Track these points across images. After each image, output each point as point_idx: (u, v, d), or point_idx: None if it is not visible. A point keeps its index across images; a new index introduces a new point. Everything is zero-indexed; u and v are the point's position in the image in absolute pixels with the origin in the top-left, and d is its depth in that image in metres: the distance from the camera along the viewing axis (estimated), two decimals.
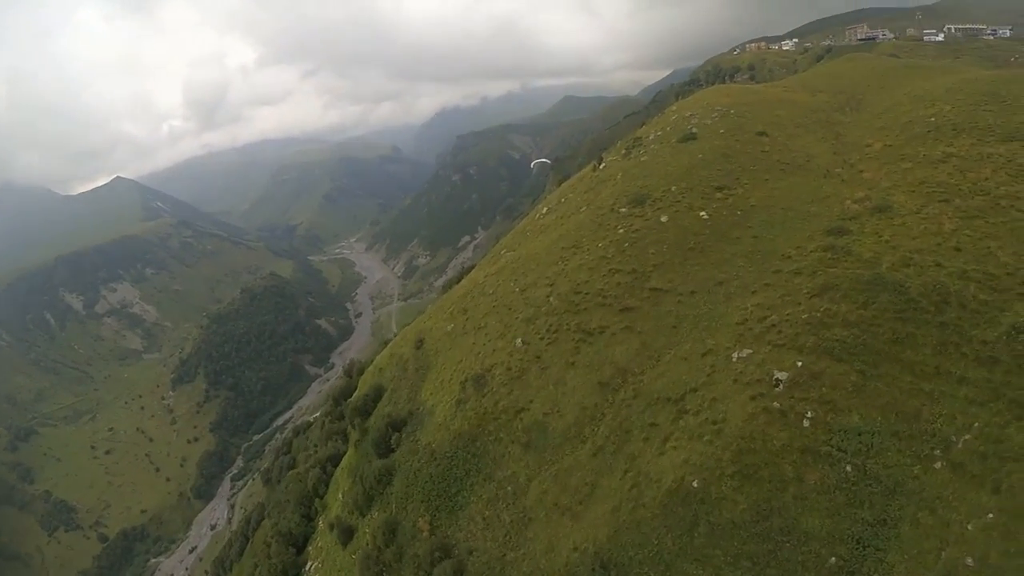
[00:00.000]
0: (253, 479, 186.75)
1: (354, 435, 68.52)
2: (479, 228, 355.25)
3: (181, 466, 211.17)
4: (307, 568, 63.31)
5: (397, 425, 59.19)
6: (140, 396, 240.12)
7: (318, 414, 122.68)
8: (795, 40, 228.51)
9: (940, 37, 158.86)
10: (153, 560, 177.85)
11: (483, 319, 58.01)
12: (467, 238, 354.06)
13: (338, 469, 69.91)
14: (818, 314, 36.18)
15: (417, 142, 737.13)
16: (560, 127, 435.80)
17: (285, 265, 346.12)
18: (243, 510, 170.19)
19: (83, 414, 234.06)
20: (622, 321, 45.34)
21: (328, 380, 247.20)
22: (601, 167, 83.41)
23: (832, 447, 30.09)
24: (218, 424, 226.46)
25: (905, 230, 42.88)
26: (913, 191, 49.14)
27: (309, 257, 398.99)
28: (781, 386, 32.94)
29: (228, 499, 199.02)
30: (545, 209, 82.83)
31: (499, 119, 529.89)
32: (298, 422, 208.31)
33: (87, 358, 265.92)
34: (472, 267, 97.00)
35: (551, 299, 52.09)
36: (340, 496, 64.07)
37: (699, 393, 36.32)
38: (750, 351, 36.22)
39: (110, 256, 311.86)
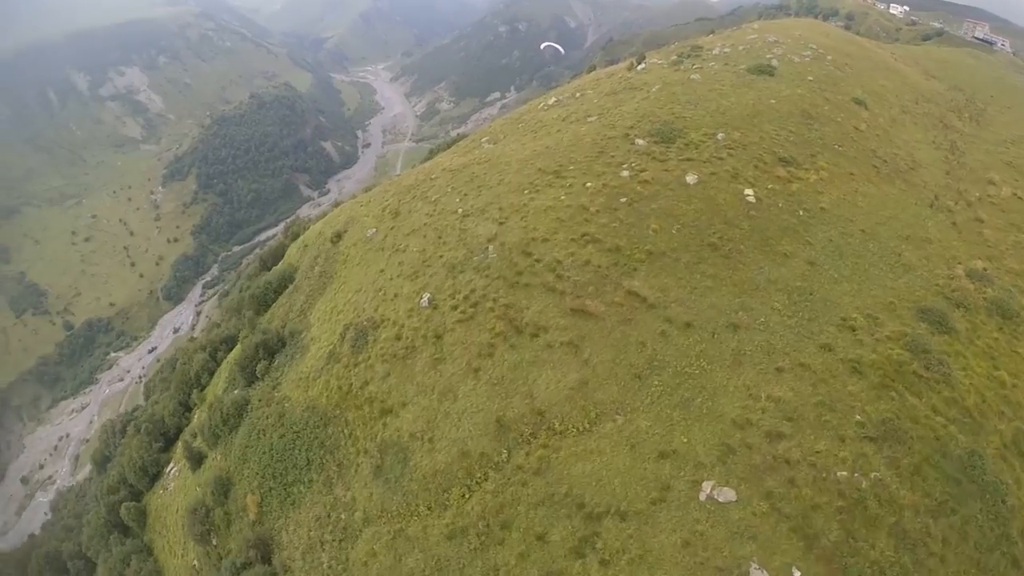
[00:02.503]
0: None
1: (245, 330, 54.29)
2: (512, 88, 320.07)
3: (156, 264, 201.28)
4: (168, 470, 51.66)
5: (271, 348, 44.37)
6: (129, 187, 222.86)
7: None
8: (905, 8, 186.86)
9: None
10: (113, 354, 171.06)
11: (407, 237, 41.02)
12: (497, 94, 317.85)
13: (225, 361, 56.38)
14: (866, 482, 19.68)
15: None
16: (626, 9, 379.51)
17: (303, 77, 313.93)
18: (208, 319, 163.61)
19: (69, 198, 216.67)
20: (569, 330, 28.29)
21: (320, 205, 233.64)
22: (639, 68, 61.48)
23: None
24: (201, 228, 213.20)
25: None
26: None
27: (331, 74, 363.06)
28: None
29: (196, 305, 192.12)
30: (553, 99, 62.23)
31: None
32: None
33: (83, 141, 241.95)
34: (452, 144, 77.03)
35: (490, 248, 34.66)
36: (220, 392, 50.79)
37: (626, 527, 20.50)
38: (732, 495, 19.94)
39: (124, 38, 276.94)
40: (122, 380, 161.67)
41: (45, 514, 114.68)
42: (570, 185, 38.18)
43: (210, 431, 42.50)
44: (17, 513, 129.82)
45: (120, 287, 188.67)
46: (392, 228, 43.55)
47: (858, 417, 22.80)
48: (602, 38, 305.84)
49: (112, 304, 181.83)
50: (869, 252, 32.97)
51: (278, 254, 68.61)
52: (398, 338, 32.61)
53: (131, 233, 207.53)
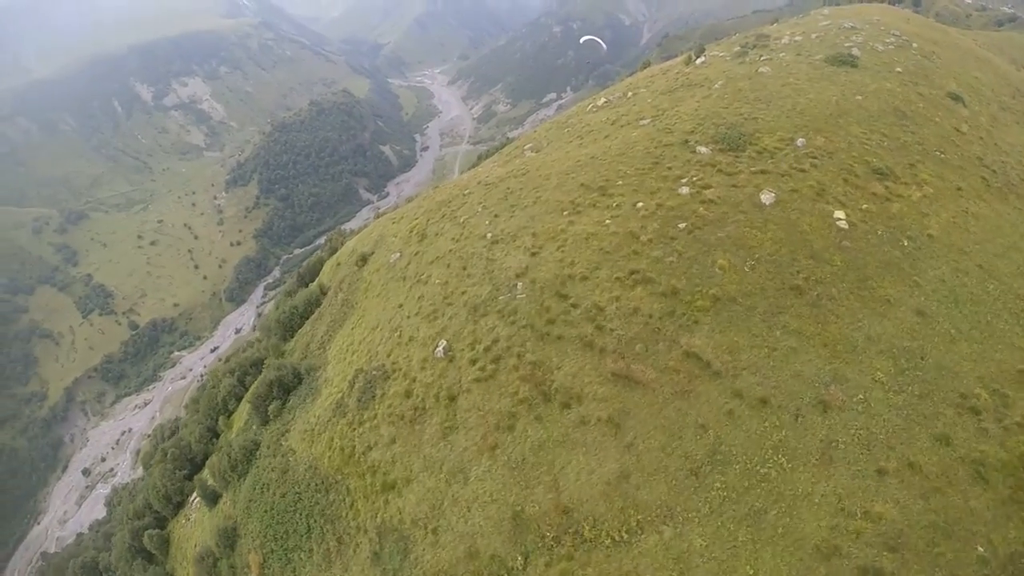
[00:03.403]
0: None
1: (269, 358, 50.81)
2: (568, 88, 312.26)
3: (219, 267, 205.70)
4: (192, 500, 48.69)
5: (286, 385, 40.25)
6: (194, 192, 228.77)
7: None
8: None
9: None
10: (176, 353, 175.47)
11: (430, 266, 35.88)
12: (553, 95, 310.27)
13: (251, 388, 53.05)
14: None
15: None
16: (680, 3, 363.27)
17: (362, 83, 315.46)
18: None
19: (136, 203, 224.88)
20: (609, 401, 22.17)
21: (379, 208, 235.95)
22: (698, 62, 54.27)
23: None
24: (263, 232, 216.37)
25: None
26: None
27: (389, 79, 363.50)
28: None
29: (257, 306, 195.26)
30: (603, 100, 55.92)
31: None
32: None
33: (149, 149, 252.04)
34: (498, 150, 71.52)
35: (519, 286, 28.89)
36: (242, 424, 47.51)
37: None
38: None
39: (186, 49, 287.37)
40: (184, 378, 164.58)
41: (104, 506, 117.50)
42: (617, 205, 31.91)
43: (220, 475, 38.85)
44: (77, 503, 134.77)
45: (184, 289, 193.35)
46: (416, 254, 38.55)
47: (980, 549, 16.06)
48: (657, 35, 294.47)
49: (176, 305, 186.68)
50: (989, 296, 25.26)
51: (316, 270, 65.19)
52: (408, 395, 27.40)
53: (195, 237, 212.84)
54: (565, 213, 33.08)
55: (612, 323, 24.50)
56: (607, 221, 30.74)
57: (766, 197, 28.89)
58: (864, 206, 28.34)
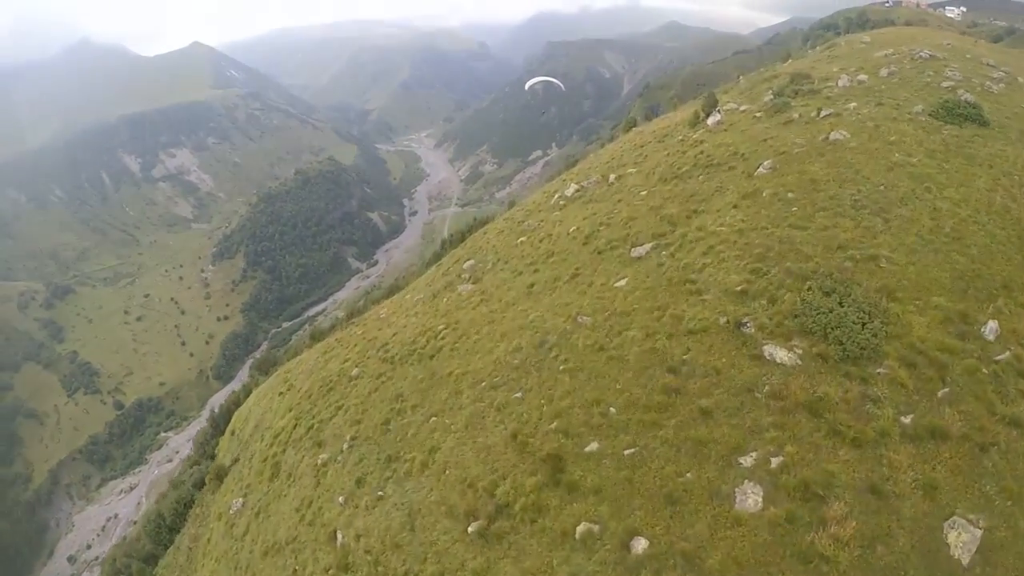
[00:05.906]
0: None
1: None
2: (553, 144, 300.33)
3: (206, 343, 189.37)
4: None
5: None
6: (181, 266, 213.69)
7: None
8: (962, 9, 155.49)
9: None
10: (163, 434, 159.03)
11: (263, 561, 16.63)
12: (539, 152, 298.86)
13: None
14: None
15: (507, 42, 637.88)
16: (659, 52, 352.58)
17: (348, 150, 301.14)
18: None
19: (123, 277, 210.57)
20: None
21: (368, 277, 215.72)
22: (710, 122, 35.49)
23: None
24: (250, 306, 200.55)
25: None
26: None
27: (376, 145, 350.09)
28: None
29: (245, 385, 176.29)
30: (573, 187, 36.35)
31: (596, 32, 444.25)
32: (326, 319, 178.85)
33: (136, 221, 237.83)
34: (461, 240, 51.51)
35: None
36: None
37: None
38: None
39: (173, 120, 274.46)
40: (171, 461, 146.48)
41: None
42: (582, 540, 11.52)
43: None
44: None
45: (170, 366, 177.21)
46: (258, 513, 19.78)
47: None
48: (638, 85, 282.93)
49: (162, 384, 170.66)
50: None
51: (230, 415, 47.33)
52: None
53: (182, 312, 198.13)
54: (470, 533, 13.27)
55: None
56: None
57: (964, 540, 9.44)
58: None
